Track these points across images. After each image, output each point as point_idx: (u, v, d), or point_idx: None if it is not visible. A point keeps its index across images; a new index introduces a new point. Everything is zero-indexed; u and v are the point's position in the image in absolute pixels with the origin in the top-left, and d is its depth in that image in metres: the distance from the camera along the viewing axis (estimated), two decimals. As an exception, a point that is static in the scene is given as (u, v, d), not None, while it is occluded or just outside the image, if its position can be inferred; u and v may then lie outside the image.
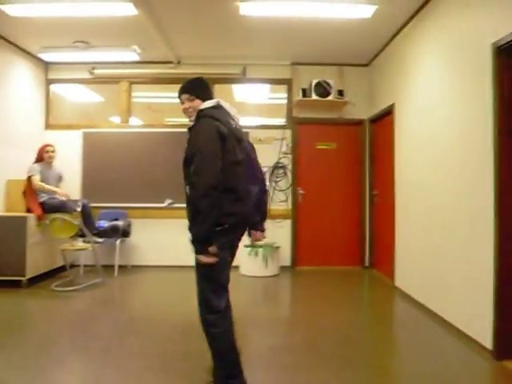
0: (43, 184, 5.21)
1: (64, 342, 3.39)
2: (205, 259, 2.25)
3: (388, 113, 5.37)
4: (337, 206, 6.34)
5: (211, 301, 2.45)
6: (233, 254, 2.66)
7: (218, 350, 2.44)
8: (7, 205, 5.30)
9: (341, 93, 6.01)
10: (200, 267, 2.38)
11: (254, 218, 2.69)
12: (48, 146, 5.45)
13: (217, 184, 2.19)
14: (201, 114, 2.40)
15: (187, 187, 2.35)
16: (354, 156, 6.34)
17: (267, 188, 2.63)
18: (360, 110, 6.20)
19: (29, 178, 5.22)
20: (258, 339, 3.54)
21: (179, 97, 2.58)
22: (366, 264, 6.24)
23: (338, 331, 3.61)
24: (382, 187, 5.75)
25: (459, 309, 3.49)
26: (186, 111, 2.54)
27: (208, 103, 2.47)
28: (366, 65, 6.25)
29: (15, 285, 4.90)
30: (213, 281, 2.44)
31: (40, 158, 5.40)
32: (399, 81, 5.00)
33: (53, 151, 5.46)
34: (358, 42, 5.35)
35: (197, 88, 2.55)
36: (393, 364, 3.02)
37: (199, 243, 2.24)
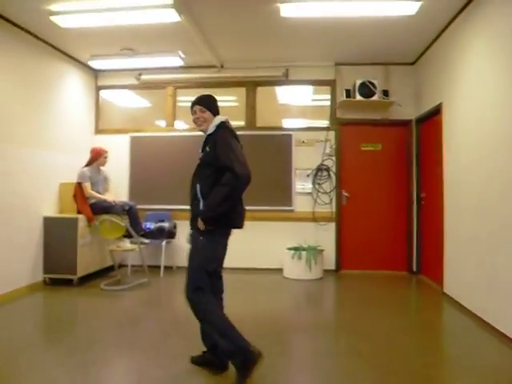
0: (94, 193, 5.42)
1: (111, 339, 3.50)
2: (202, 226, 2.73)
3: (436, 112, 5.19)
4: (382, 209, 6.19)
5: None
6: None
7: None
8: (60, 207, 5.54)
9: (386, 93, 5.87)
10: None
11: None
12: (105, 151, 5.65)
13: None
14: (221, 126, 2.82)
15: (198, 185, 2.79)
16: (400, 157, 6.17)
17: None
18: (406, 110, 6.03)
19: (79, 183, 5.44)
20: (301, 343, 3.51)
21: (192, 107, 2.95)
22: (414, 269, 6.04)
23: (383, 337, 3.51)
24: (431, 189, 5.55)
25: (513, 317, 3.31)
26: (196, 120, 2.93)
27: (222, 118, 2.90)
28: (411, 63, 6.07)
29: (67, 283, 5.13)
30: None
31: (92, 161, 5.60)
32: (447, 79, 4.81)
33: (107, 157, 5.68)
34: (403, 40, 5.20)
35: (209, 103, 2.96)
36: (439, 375, 2.89)
37: (210, 217, 2.72)
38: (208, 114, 2.90)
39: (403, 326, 3.87)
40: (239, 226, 3.06)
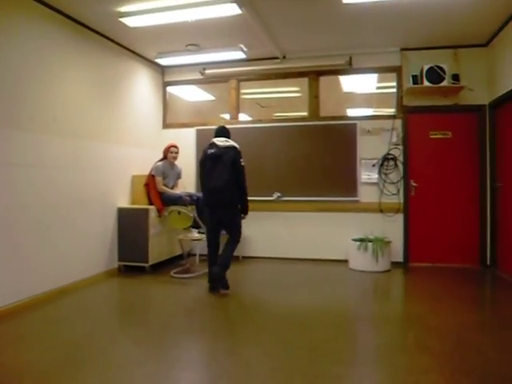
0: (164, 188, 5.72)
1: (180, 324, 3.66)
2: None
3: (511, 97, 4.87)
4: (453, 199, 5.91)
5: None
6: None
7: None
8: (132, 198, 5.85)
9: (456, 77, 5.58)
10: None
11: None
12: (173, 146, 5.90)
13: None
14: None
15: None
16: (471, 145, 5.86)
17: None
18: (479, 94, 5.70)
19: (152, 175, 5.72)
20: (368, 336, 3.47)
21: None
22: (488, 263, 5.74)
23: (454, 333, 3.37)
24: (507, 178, 5.23)
25: None
26: None
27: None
28: (484, 45, 5.71)
29: (140, 270, 5.42)
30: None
31: (165, 156, 5.89)
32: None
33: (176, 152, 5.92)
34: (475, 20, 4.90)
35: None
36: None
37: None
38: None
39: (477, 322, 3.70)
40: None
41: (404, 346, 3.18)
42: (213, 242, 4.69)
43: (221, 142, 4.58)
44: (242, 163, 4.57)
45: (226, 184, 4.41)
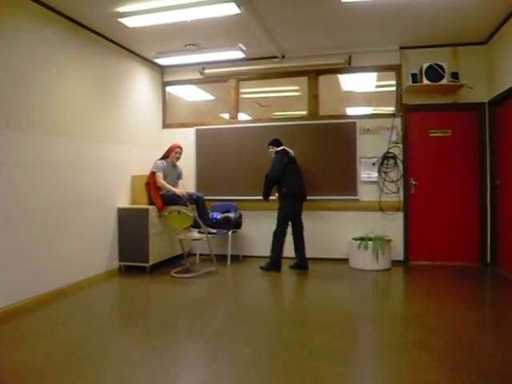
0: (165, 183, 5.68)
1: (181, 324, 3.67)
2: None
3: (511, 94, 4.86)
4: (453, 198, 5.91)
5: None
6: None
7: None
8: (132, 198, 5.85)
9: (455, 75, 5.58)
10: None
11: None
12: (178, 147, 5.90)
13: None
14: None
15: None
16: (471, 143, 5.85)
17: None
18: (478, 92, 5.70)
19: (153, 172, 5.72)
20: (368, 334, 3.48)
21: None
22: (488, 261, 5.74)
23: (454, 331, 3.38)
24: (507, 176, 5.23)
25: None
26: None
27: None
28: (483, 43, 5.70)
29: (140, 270, 5.43)
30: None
31: (167, 155, 5.88)
32: (525, 57, 4.49)
33: (180, 153, 5.93)
34: (473, 18, 4.88)
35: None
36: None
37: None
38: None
39: (476, 320, 3.69)
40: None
41: (404, 344, 3.19)
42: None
43: (289, 149, 5.62)
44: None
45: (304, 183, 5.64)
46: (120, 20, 4.71)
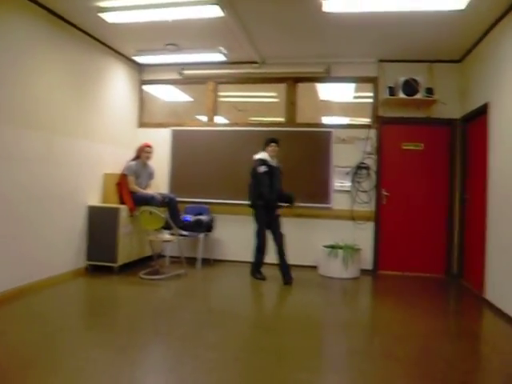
0: (136, 187, 5.63)
1: (147, 326, 3.61)
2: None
3: (482, 112, 5.00)
4: (423, 210, 6.04)
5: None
6: None
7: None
8: (103, 196, 5.74)
9: (430, 91, 5.71)
10: None
11: None
12: (148, 146, 5.83)
13: None
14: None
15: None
16: (442, 157, 6.00)
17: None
18: (451, 109, 5.85)
19: (125, 174, 5.63)
20: (334, 342, 3.50)
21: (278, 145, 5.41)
22: (454, 273, 5.88)
23: (418, 341, 3.44)
24: (474, 191, 5.37)
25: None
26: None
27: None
28: (458, 61, 5.87)
29: (108, 270, 5.31)
30: None
31: (138, 156, 5.81)
32: (495, 78, 4.63)
33: (150, 152, 5.85)
34: (450, 36, 5.04)
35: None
36: (475, 382, 2.80)
37: None
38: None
39: (440, 330, 3.77)
40: None
41: (371, 353, 3.22)
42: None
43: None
44: (259, 171, 5.24)
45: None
46: (100, 15, 4.62)
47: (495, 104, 4.63)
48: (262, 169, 5.21)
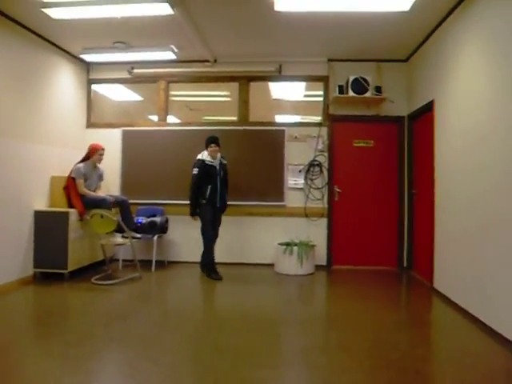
0: (86, 191, 5.44)
1: (102, 333, 3.49)
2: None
3: (428, 110, 5.22)
4: (374, 205, 6.22)
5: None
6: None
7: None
8: (51, 200, 5.50)
9: (379, 89, 5.89)
10: None
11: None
12: (102, 149, 5.64)
13: None
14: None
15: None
16: (392, 154, 6.20)
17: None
18: (399, 106, 6.06)
19: (73, 178, 5.42)
20: (291, 338, 3.53)
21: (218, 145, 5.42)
22: (404, 265, 6.10)
23: (373, 332, 3.54)
24: (422, 186, 5.59)
25: (502, 314, 3.34)
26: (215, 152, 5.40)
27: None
28: (404, 60, 6.09)
29: (58, 277, 5.10)
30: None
31: (88, 157, 5.59)
32: (439, 76, 4.84)
33: (103, 154, 5.67)
34: (397, 36, 5.22)
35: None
36: (428, 369, 2.93)
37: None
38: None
39: (392, 320, 3.91)
40: None
41: (325, 347, 3.29)
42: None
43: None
44: (193, 172, 5.37)
45: None
46: (44, 10, 4.42)
47: (440, 101, 4.83)
48: (194, 171, 5.34)
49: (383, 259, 6.17)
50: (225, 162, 5.55)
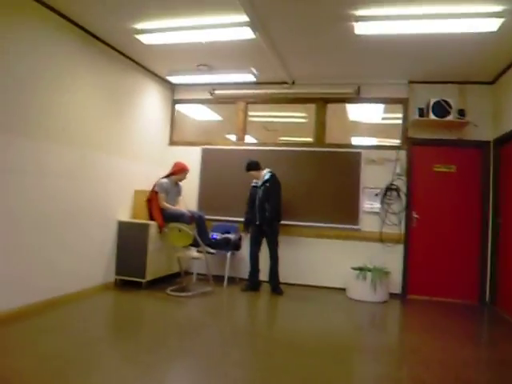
0: (167, 205, 5.72)
1: (173, 343, 3.62)
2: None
3: (517, 134, 4.91)
4: (454, 234, 5.89)
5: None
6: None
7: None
8: (133, 212, 5.84)
9: (462, 112, 5.64)
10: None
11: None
12: (188, 170, 5.99)
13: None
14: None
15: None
16: (475, 180, 5.87)
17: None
18: (483, 131, 5.75)
19: (156, 192, 5.72)
20: (363, 367, 3.42)
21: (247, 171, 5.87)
22: (487, 299, 5.68)
23: (450, 369, 3.31)
24: (508, 216, 5.23)
25: None
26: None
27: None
28: (490, 82, 5.79)
29: (136, 286, 5.37)
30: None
31: (173, 174, 5.90)
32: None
33: (187, 175, 6.00)
34: (482, 58, 4.99)
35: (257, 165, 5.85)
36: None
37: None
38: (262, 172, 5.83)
39: (472, 359, 3.63)
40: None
41: (399, 379, 3.13)
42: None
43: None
44: None
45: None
46: (137, 36, 4.80)
47: (531, 126, 4.53)
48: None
49: (463, 292, 5.80)
50: (266, 179, 5.74)
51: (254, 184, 5.83)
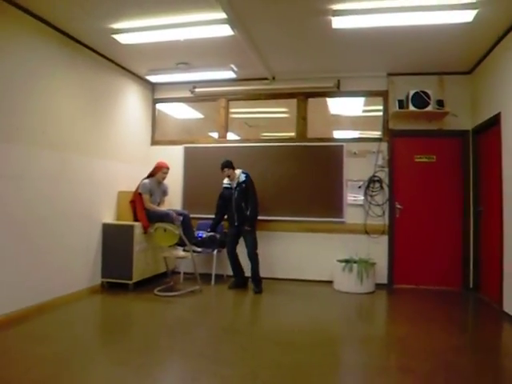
0: (151, 205, 5.66)
1: (163, 343, 3.61)
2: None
3: (494, 122, 5.00)
4: (437, 222, 5.99)
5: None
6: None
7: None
8: (117, 214, 5.80)
9: (440, 103, 5.71)
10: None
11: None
12: (167, 168, 5.87)
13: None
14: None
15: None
16: (455, 169, 5.97)
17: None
18: (462, 120, 5.84)
19: (140, 193, 5.66)
20: (350, 357, 3.47)
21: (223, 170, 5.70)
22: (470, 286, 5.79)
23: (436, 355, 3.38)
24: (489, 203, 5.33)
25: None
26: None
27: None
28: (467, 72, 5.88)
29: (123, 287, 5.34)
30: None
31: (153, 174, 5.84)
32: (506, 88, 4.63)
33: (167, 173, 5.90)
34: (459, 48, 5.07)
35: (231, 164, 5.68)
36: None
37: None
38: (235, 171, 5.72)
39: (458, 344, 3.70)
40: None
41: (386, 367, 3.18)
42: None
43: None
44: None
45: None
46: (113, 36, 4.75)
47: (507, 114, 4.62)
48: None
49: (447, 279, 5.91)
50: (243, 180, 5.65)
51: (226, 185, 5.74)
